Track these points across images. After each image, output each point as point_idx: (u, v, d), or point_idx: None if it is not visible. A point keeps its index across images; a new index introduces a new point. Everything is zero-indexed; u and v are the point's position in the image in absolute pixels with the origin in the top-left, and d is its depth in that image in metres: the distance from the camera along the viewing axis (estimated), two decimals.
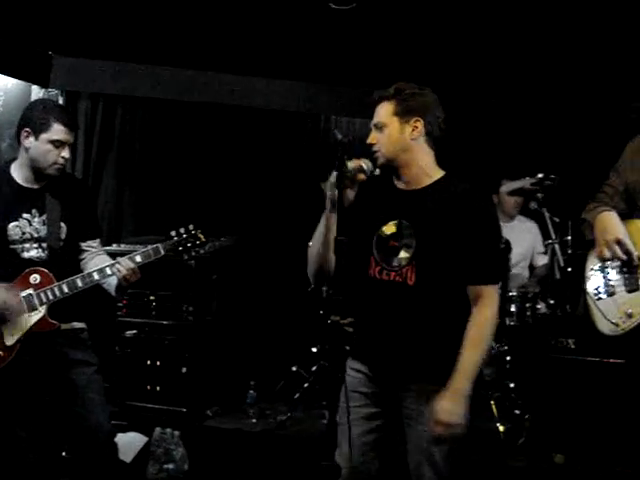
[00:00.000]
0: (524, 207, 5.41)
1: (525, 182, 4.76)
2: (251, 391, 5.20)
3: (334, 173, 2.49)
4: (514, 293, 4.94)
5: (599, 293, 2.71)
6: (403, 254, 2.55)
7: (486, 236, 2.55)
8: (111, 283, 3.26)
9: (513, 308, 4.91)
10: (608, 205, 2.76)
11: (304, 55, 5.71)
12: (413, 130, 2.60)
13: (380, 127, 2.60)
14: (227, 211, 6.03)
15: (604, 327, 2.66)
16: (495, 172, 5.76)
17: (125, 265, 3.13)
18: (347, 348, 2.75)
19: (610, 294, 2.67)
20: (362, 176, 2.56)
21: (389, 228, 2.60)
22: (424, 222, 2.54)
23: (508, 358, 4.78)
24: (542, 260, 5.32)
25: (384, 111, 2.60)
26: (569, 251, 4.61)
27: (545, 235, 4.78)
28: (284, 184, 6.23)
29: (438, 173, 2.65)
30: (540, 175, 4.65)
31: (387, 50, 5.54)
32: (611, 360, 3.88)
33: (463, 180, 2.61)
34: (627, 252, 2.57)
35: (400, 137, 2.59)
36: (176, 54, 5.79)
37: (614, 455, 3.92)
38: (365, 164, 2.57)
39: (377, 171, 2.60)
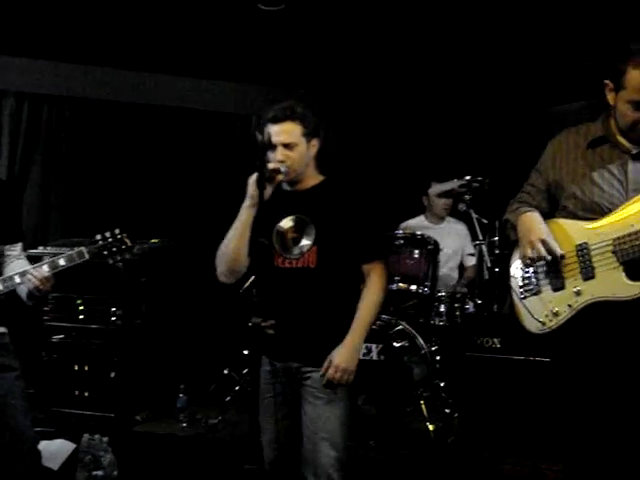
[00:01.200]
0: (453, 209, 5.49)
1: (453, 184, 4.83)
2: (181, 395, 5.14)
3: (255, 172, 2.78)
4: (443, 293, 5.03)
5: (525, 292, 2.74)
6: (305, 241, 2.88)
7: (367, 221, 2.95)
8: (22, 290, 3.18)
9: (442, 308, 5.00)
10: (530, 205, 2.79)
11: (234, 56, 5.69)
12: (313, 147, 2.97)
13: (291, 147, 2.88)
14: (156, 213, 5.96)
15: (531, 326, 2.70)
16: (424, 174, 5.84)
17: (36, 274, 3.05)
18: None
19: (536, 293, 2.71)
20: (280, 177, 2.85)
21: (287, 223, 2.92)
22: (319, 213, 2.89)
23: (438, 358, 4.84)
24: (471, 261, 5.41)
25: (294, 132, 2.89)
26: (496, 251, 4.68)
27: (474, 236, 4.86)
28: (214, 186, 6.19)
29: (320, 176, 3.03)
30: (468, 177, 4.72)
31: (316, 51, 5.57)
32: (536, 358, 3.95)
33: (343, 180, 3.01)
34: (551, 251, 2.60)
35: (306, 155, 2.94)
36: (106, 53, 5.70)
37: (540, 452, 4.00)
38: (282, 167, 2.84)
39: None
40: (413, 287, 4.76)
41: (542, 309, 2.67)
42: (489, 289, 4.68)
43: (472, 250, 5.12)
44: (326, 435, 2.77)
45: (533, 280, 2.72)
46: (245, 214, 2.84)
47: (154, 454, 4.58)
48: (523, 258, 2.70)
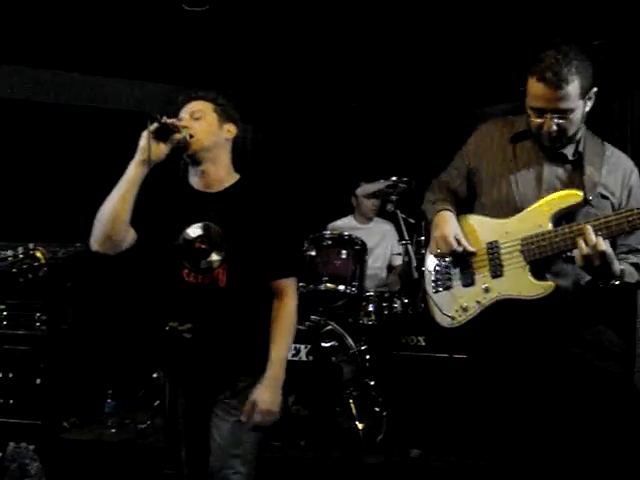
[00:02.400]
0: (381, 209, 5.55)
1: (380, 185, 4.88)
2: (109, 400, 5.07)
3: (154, 124, 2.52)
4: (372, 293, 5.08)
5: (437, 287, 2.79)
6: (215, 257, 2.60)
7: (283, 233, 2.73)
8: None
9: (371, 308, 5.04)
10: (450, 188, 2.84)
11: (158, 56, 5.64)
12: (228, 132, 2.74)
13: (198, 117, 2.67)
14: (81, 216, 5.85)
15: (442, 320, 2.74)
16: (353, 175, 5.88)
17: None
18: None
19: (447, 288, 2.75)
20: (179, 136, 2.58)
21: (195, 231, 2.63)
22: (233, 224, 2.62)
23: (367, 357, 4.88)
24: (398, 260, 5.48)
25: (203, 106, 2.71)
26: (423, 251, 4.75)
27: (401, 236, 4.92)
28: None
29: (236, 176, 2.78)
30: (394, 178, 4.77)
31: (239, 52, 5.56)
32: (459, 356, 4.03)
33: (259, 182, 2.79)
34: (462, 248, 2.65)
35: (218, 132, 2.71)
36: (23, 52, 5.57)
37: (467, 447, 4.07)
38: (184, 131, 2.60)
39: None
40: (341, 287, 4.79)
41: (452, 304, 2.71)
42: (416, 288, 4.74)
43: (399, 250, 5.18)
44: (238, 452, 2.61)
45: (445, 275, 2.77)
46: (133, 170, 2.56)
47: (82, 461, 4.50)
48: (434, 253, 2.76)
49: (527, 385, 2.58)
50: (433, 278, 2.81)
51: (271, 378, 2.60)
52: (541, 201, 2.58)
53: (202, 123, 2.67)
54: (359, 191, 5.39)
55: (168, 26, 5.07)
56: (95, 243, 2.65)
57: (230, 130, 2.74)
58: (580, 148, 2.63)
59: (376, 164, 6.15)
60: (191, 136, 2.61)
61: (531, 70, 2.51)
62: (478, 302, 2.65)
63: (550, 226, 2.53)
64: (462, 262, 2.71)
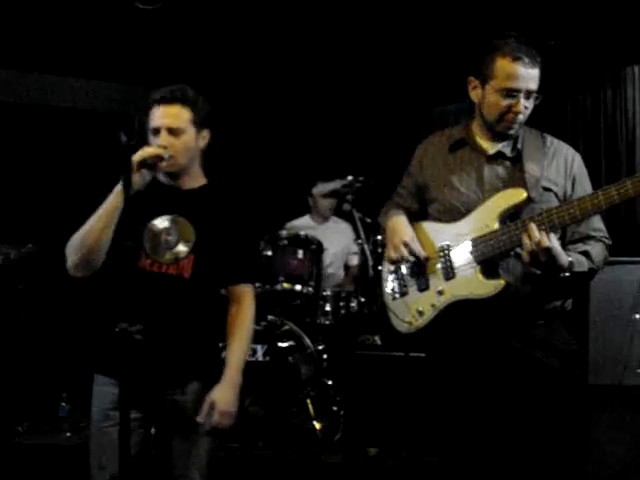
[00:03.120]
0: (338, 208, 5.56)
1: (336, 184, 4.87)
2: (64, 404, 5.00)
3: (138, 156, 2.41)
4: (329, 293, 5.08)
5: (394, 293, 2.81)
6: (181, 247, 2.54)
7: (245, 240, 2.73)
8: None
9: (328, 307, 5.04)
10: (401, 207, 2.87)
11: (113, 55, 5.59)
12: (203, 139, 2.65)
13: (175, 132, 2.55)
14: (32, 217, 5.78)
15: (399, 326, 2.76)
16: (310, 174, 5.88)
17: None
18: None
19: (403, 294, 2.77)
20: (163, 164, 2.49)
21: (162, 222, 2.55)
22: (201, 219, 2.57)
23: (325, 356, 4.89)
24: (355, 260, 5.48)
25: (182, 116, 2.57)
26: (379, 250, 4.76)
27: (357, 235, 4.92)
28: (94, 188, 6.04)
29: (204, 178, 2.74)
30: (350, 177, 4.76)
31: (195, 50, 5.53)
32: (415, 354, 4.05)
33: (226, 187, 2.75)
34: (414, 253, 2.68)
35: (194, 147, 2.62)
36: None
37: (424, 445, 4.10)
38: (165, 153, 2.49)
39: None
40: (298, 287, 4.79)
41: (408, 309, 2.73)
42: (373, 287, 4.76)
43: (356, 249, 5.19)
44: (193, 460, 2.57)
45: (401, 281, 2.79)
46: (115, 201, 2.43)
47: (37, 465, 4.44)
48: (389, 260, 2.78)
49: (478, 383, 2.59)
50: (390, 285, 2.83)
51: (229, 381, 2.57)
52: (487, 202, 2.61)
53: (181, 140, 2.56)
54: (315, 190, 5.39)
55: (121, 24, 5.03)
56: (76, 270, 2.53)
57: (205, 137, 2.66)
58: (519, 145, 2.67)
59: (333, 163, 6.15)
60: (171, 156, 2.52)
61: (500, 53, 2.55)
62: (433, 305, 2.67)
63: (497, 225, 2.56)
64: (417, 267, 2.73)
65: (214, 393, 2.54)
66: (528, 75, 2.53)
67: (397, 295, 2.79)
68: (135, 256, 2.57)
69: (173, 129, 2.54)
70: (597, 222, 2.66)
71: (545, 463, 2.53)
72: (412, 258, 2.68)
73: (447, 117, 6.50)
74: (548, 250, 2.40)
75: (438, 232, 2.71)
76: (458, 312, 2.62)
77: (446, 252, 2.66)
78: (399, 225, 2.77)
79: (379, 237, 4.81)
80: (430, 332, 2.69)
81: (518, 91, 2.55)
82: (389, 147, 6.48)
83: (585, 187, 2.68)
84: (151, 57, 5.62)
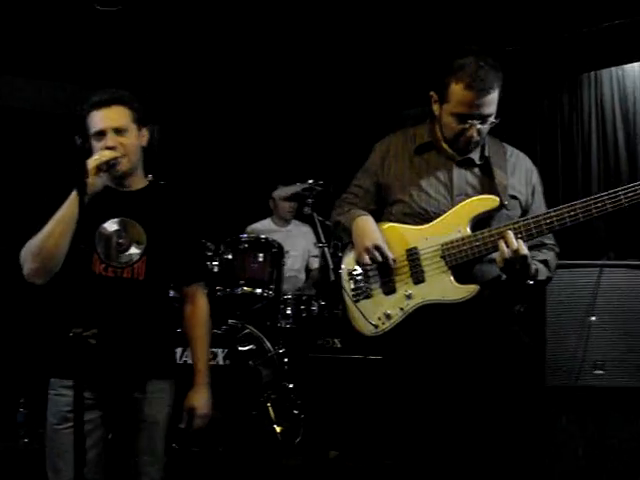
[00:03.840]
0: (299, 212, 5.56)
1: (297, 188, 4.89)
2: (22, 409, 4.93)
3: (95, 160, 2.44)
4: (290, 296, 5.07)
5: (358, 295, 2.76)
6: (134, 250, 2.59)
7: (195, 237, 2.82)
8: None
9: (289, 311, 5.03)
10: (358, 206, 2.83)
11: (69, 56, 5.53)
12: (143, 137, 2.67)
13: (121, 132, 2.56)
14: None
15: (364, 329, 2.72)
16: (271, 177, 5.88)
17: None
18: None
19: (368, 296, 2.73)
20: (122, 167, 2.54)
21: (112, 226, 2.59)
22: (151, 220, 2.62)
23: (286, 360, 4.88)
24: (316, 263, 5.49)
25: (123, 116, 2.58)
26: (339, 254, 4.77)
27: (318, 239, 4.93)
28: (41, 188, 5.97)
29: (146, 179, 2.76)
30: (310, 181, 4.79)
31: (152, 52, 5.50)
32: (375, 357, 4.05)
33: (170, 187, 2.80)
34: (384, 256, 2.65)
35: (139, 144, 2.64)
36: None
37: (383, 448, 4.10)
38: (118, 153, 2.53)
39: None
40: (258, 290, 4.77)
41: (374, 312, 2.70)
42: (334, 291, 4.76)
43: (316, 252, 5.20)
44: (154, 459, 2.62)
45: (365, 284, 2.74)
46: (71, 207, 2.42)
47: None
48: (358, 263, 2.74)
49: (441, 386, 2.61)
50: (353, 286, 2.78)
51: (201, 383, 2.71)
52: (457, 207, 2.62)
53: (128, 139, 2.57)
54: (276, 194, 5.39)
55: (79, 25, 4.98)
56: (35, 277, 2.53)
57: (144, 135, 2.68)
58: (486, 152, 2.69)
59: (298, 167, 6.16)
60: (123, 156, 2.55)
61: (454, 77, 2.54)
62: (401, 309, 2.65)
63: (469, 230, 2.58)
64: (382, 270, 2.70)
65: (191, 399, 2.68)
66: (482, 102, 2.52)
67: (360, 297, 2.74)
68: (89, 261, 2.56)
69: (118, 129, 2.55)
70: None
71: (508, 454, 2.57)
72: (382, 261, 2.65)
73: (419, 119, 6.43)
74: (524, 258, 2.45)
75: (405, 235, 2.69)
76: (426, 316, 2.62)
77: (415, 255, 2.65)
78: (369, 227, 2.72)
79: (337, 242, 4.83)
80: (397, 335, 2.67)
81: (471, 117, 2.56)
82: (362, 149, 6.47)
83: (541, 197, 2.75)
84: (105, 57, 5.57)
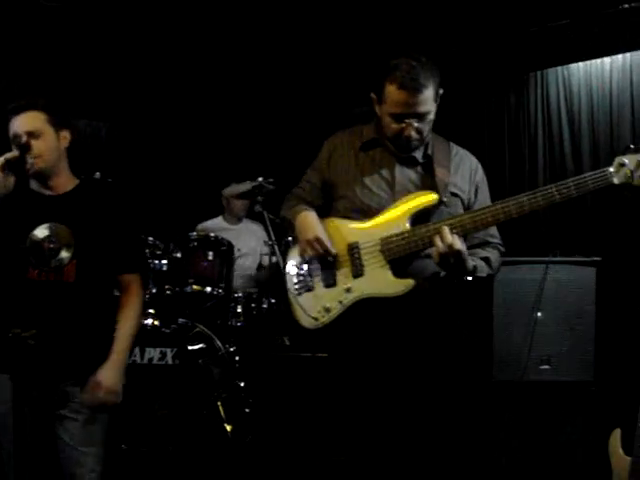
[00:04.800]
0: (251, 210, 5.54)
1: (247, 185, 4.86)
2: None
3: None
4: (240, 294, 5.05)
5: (300, 289, 2.80)
6: (64, 254, 2.67)
7: (127, 230, 2.86)
8: None
9: (239, 309, 5.01)
10: (305, 201, 2.88)
11: (12, 50, 5.44)
12: (64, 139, 2.78)
13: (36, 135, 2.67)
14: None
15: (305, 322, 2.76)
16: (223, 175, 5.85)
17: None
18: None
19: (309, 290, 2.77)
20: (37, 167, 2.66)
21: (42, 232, 2.67)
22: (78, 222, 2.70)
23: (237, 358, 4.87)
24: (267, 261, 5.46)
25: (37, 119, 2.70)
26: None
27: (269, 237, 4.91)
28: None
29: (75, 179, 2.85)
30: (260, 179, 4.76)
31: (97, 47, 5.45)
32: (323, 355, 4.07)
33: (99, 184, 3.01)
34: (325, 250, 2.69)
35: (57, 146, 2.75)
36: None
37: (332, 445, 4.11)
38: (28, 157, 2.62)
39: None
40: (208, 289, 4.74)
41: (315, 305, 2.73)
42: (283, 288, 4.76)
43: (267, 250, 5.18)
44: (92, 450, 2.69)
45: (307, 277, 2.78)
46: None
47: None
48: (300, 256, 2.78)
49: (387, 382, 2.64)
50: (295, 280, 2.82)
51: (113, 361, 2.72)
52: (398, 203, 2.66)
53: (42, 141, 2.69)
54: (227, 191, 5.36)
55: (24, 21, 4.90)
56: None
57: (66, 137, 2.78)
58: (429, 151, 2.74)
59: (249, 164, 6.14)
60: (36, 157, 2.65)
61: (389, 78, 2.60)
62: (340, 302, 2.68)
63: (408, 226, 2.62)
64: (324, 264, 2.74)
65: (98, 373, 2.68)
66: (415, 101, 2.57)
67: (302, 290, 2.78)
68: (25, 265, 2.66)
69: (32, 132, 2.67)
70: (493, 229, 2.76)
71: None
72: (323, 254, 2.69)
73: (369, 117, 6.48)
74: (458, 253, 2.49)
75: (348, 230, 2.73)
76: (364, 309, 2.65)
77: (355, 250, 2.69)
78: (310, 221, 2.77)
79: (290, 238, 4.83)
80: (335, 328, 2.70)
81: (407, 116, 2.60)
82: (306, 148, 6.45)
83: (485, 195, 2.80)
84: (51, 54, 5.49)
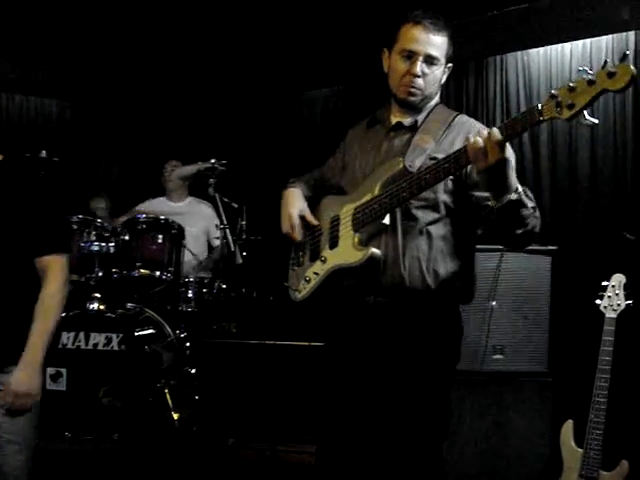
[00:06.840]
0: (203, 192, 5.40)
1: (198, 166, 4.74)
2: None
3: None
4: (191, 279, 4.94)
5: (293, 265, 2.85)
6: None
7: (41, 209, 2.68)
8: None
9: (190, 294, 4.90)
10: (313, 176, 2.96)
11: None
12: None
13: None
14: None
15: (292, 294, 2.78)
16: (168, 155, 5.76)
17: None
18: None
19: (300, 264, 2.81)
20: None
21: None
22: None
23: (188, 344, 4.77)
24: (217, 244, 5.35)
25: None
26: (244, 236, 4.69)
27: (221, 220, 4.81)
28: None
29: None
30: (213, 160, 4.65)
31: (58, 25, 5.32)
32: (271, 342, 4.01)
33: (25, 162, 2.87)
34: (291, 225, 2.74)
35: None
36: None
37: (279, 434, 4.06)
38: None
39: None
40: (157, 273, 4.61)
41: (300, 278, 2.76)
42: (238, 273, 4.68)
43: (218, 234, 5.06)
44: (15, 438, 2.57)
45: (299, 252, 2.83)
46: None
47: None
48: (285, 231, 2.79)
49: (357, 367, 2.58)
50: (292, 255, 2.87)
51: (25, 361, 2.56)
52: (372, 172, 2.62)
53: None
54: (175, 173, 5.24)
55: None
56: None
57: None
58: (420, 116, 2.66)
59: (200, 147, 6.06)
60: None
61: (407, 20, 2.59)
62: (316, 273, 2.68)
63: (376, 192, 2.54)
64: (312, 238, 2.77)
65: (12, 375, 2.54)
66: (428, 39, 2.55)
67: (295, 266, 2.84)
68: None
69: None
70: None
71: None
72: (290, 230, 2.74)
73: (317, 101, 6.46)
74: (501, 145, 2.18)
75: (333, 204, 2.75)
76: (337, 282, 2.63)
77: (335, 222, 2.68)
78: (293, 197, 2.83)
79: (243, 222, 4.74)
80: (312, 302, 2.71)
81: (416, 53, 2.56)
82: (261, 131, 6.41)
83: None
84: (10, 31, 5.34)
